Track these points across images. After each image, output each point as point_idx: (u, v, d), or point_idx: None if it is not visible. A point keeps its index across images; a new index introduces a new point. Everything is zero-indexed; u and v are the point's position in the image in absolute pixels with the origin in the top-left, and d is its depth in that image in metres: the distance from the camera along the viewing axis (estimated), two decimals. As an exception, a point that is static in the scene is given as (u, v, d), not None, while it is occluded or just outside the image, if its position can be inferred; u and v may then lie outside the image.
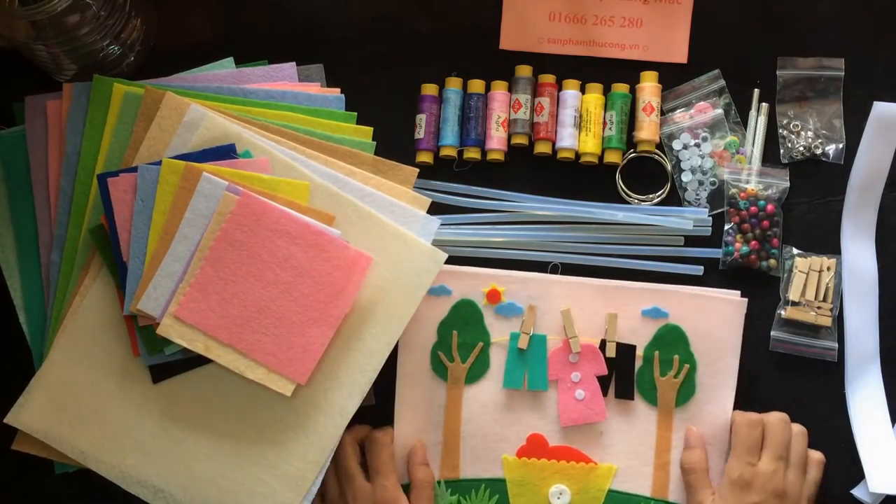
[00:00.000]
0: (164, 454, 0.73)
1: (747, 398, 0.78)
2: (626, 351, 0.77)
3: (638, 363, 0.77)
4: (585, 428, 0.77)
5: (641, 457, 0.77)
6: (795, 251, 0.78)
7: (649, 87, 0.79)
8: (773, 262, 0.78)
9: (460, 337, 0.77)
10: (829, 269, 0.78)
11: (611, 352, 0.77)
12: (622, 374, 0.77)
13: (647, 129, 0.78)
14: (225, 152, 0.74)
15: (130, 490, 0.73)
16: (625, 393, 0.77)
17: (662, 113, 0.80)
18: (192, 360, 0.73)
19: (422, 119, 0.79)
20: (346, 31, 0.81)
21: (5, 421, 0.73)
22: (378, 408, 0.77)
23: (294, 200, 0.73)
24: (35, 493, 0.78)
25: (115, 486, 0.73)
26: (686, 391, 0.77)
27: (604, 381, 0.77)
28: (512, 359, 0.77)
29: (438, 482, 0.76)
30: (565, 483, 0.76)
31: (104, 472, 0.73)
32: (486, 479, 0.77)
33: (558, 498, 0.76)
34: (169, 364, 0.73)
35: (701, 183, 0.79)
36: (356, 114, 0.79)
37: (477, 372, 0.77)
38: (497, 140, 0.79)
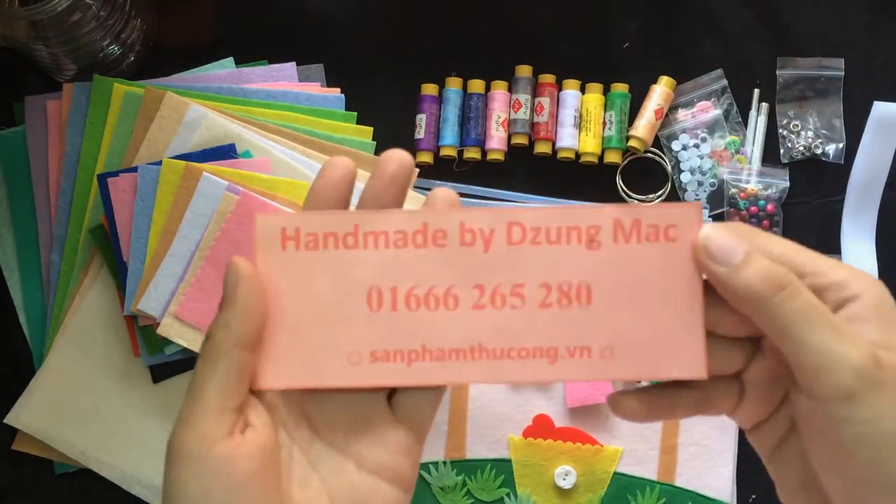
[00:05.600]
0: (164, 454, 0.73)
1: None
2: None
3: None
4: (591, 410, 0.77)
5: (648, 440, 0.76)
6: (795, 251, 0.78)
7: (666, 92, 0.78)
8: (773, 262, 0.78)
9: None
10: (829, 269, 0.78)
11: None
12: None
13: (643, 130, 0.78)
14: (225, 152, 0.74)
15: (130, 490, 0.73)
16: None
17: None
18: (192, 360, 0.73)
19: (422, 119, 0.79)
20: (346, 31, 0.81)
21: (5, 421, 0.73)
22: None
23: (294, 200, 0.73)
24: (35, 493, 0.78)
25: (115, 486, 0.73)
26: None
27: None
28: None
29: (444, 462, 0.76)
30: (571, 464, 0.76)
31: (104, 472, 0.73)
32: (492, 460, 0.76)
33: (564, 479, 0.76)
34: (169, 364, 0.73)
35: (701, 183, 0.79)
36: (356, 114, 0.79)
37: None
38: (497, 140, 0.79)
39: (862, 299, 0.38)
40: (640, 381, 0.42)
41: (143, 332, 0.72)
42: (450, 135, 0.79)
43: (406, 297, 0.41)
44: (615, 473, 0.76)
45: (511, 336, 0.41)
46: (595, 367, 0.41)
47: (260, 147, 0.74)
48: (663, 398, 0.42)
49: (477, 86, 0.80)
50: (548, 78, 0.80)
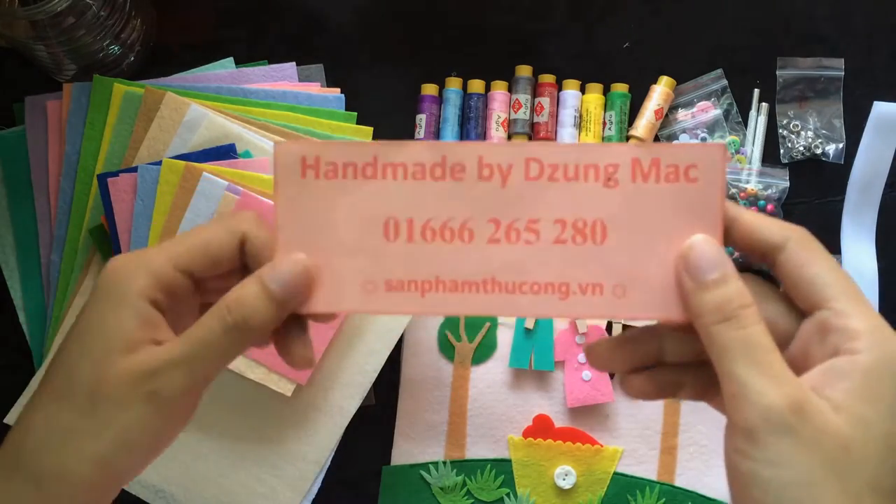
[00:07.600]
0: (165, 454, 0.73)
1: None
2: None
3: None
4: (591, 410, 0.77)
5: (648, 440, 0.76)
6: (795, 251, 0.78)
7: (666, 92, 0.78)
8: (773, 262, 0.78)
9: (467, 317, 0.77)
10: (829, 269, 0.78)
11: (617, 332, 0.77)
12: None
13: (644, 130, 0.78)
14: (225, 152, 0.74)
15: (130, 490, 0.73)
16: None
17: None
18: (192, 360, 0.73)
19: (422, 119, 0.79)
20: (346, 31, 0.81)
21: (5, 421, 0.73)
22: (378, 408, 0.77)
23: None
24: (35, 494, 0.78)
25: (115, 486, 0.73)
26: None
27: None
28: (518, 339, 0.77)
29: (444, 462, 0.76)
30: (571, 464, 0.76)
31: (104, 472, 0.73)
32: (492, 460, 0.76)
33: (564, 479, 0.76)
34: (169, 364, 0.73)
35: (701, 183, 0.79)
36: (356, 114, 0.79)
37: (484, 352, 0.77)
38: (497, 140, 0.79)
39: (858, 358, 0.36)
40: (650, 321, 0.43)
41: (143, 332, 0.72)
42: (450, 135, 0.79)
43: (422, 229, 0.42)
44: (615, 473, 0.76)
45: (524, 271, 0.41)
46: (606, 305, 0.41)
47: (260, 147, 0.74)
48: (670, 376, 0.42)
49: (477, 86, 0.80)
50: (548, 78, 0.80)
